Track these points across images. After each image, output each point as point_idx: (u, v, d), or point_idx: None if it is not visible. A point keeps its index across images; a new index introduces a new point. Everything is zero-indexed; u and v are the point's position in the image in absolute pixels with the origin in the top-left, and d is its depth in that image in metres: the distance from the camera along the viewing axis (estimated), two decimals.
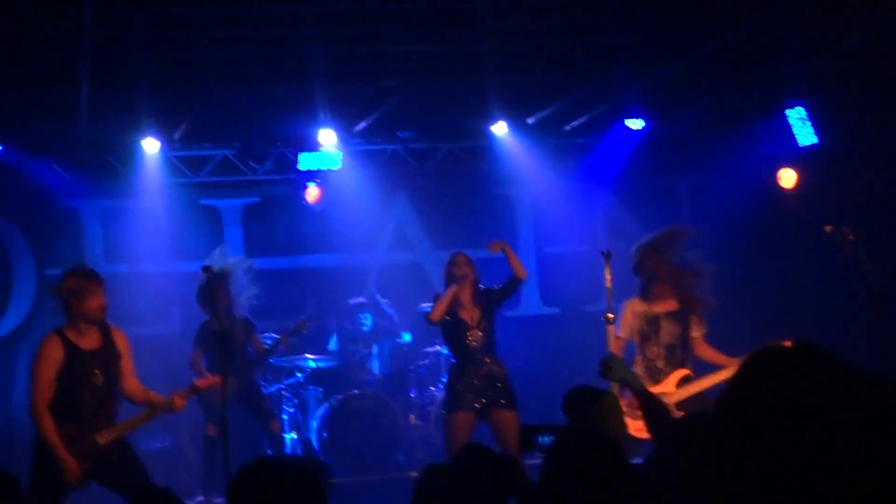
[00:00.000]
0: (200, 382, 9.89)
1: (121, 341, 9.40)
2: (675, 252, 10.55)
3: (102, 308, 9.18)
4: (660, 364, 10.29)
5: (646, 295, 10.45)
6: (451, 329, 10.83)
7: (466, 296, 10.81)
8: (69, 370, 9.02)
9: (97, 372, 9.14)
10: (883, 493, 2.07)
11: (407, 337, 14.11)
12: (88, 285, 9.17)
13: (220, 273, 11.90)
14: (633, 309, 10.44)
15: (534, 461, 5.42)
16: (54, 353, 9.04)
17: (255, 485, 3.89)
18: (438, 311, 10.72)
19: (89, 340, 9.14)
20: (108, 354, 9.22)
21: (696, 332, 10.42)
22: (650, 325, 10.37)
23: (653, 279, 10.43)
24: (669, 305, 10.40)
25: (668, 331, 10.36)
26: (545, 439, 6.30)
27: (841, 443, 2.07)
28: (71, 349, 9.05)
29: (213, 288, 11.23)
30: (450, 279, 10.85)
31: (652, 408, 6.08)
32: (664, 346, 10.33)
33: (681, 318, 10.39)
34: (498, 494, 5.03)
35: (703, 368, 10.32)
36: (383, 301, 14.19)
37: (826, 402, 2.10)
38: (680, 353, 10.36)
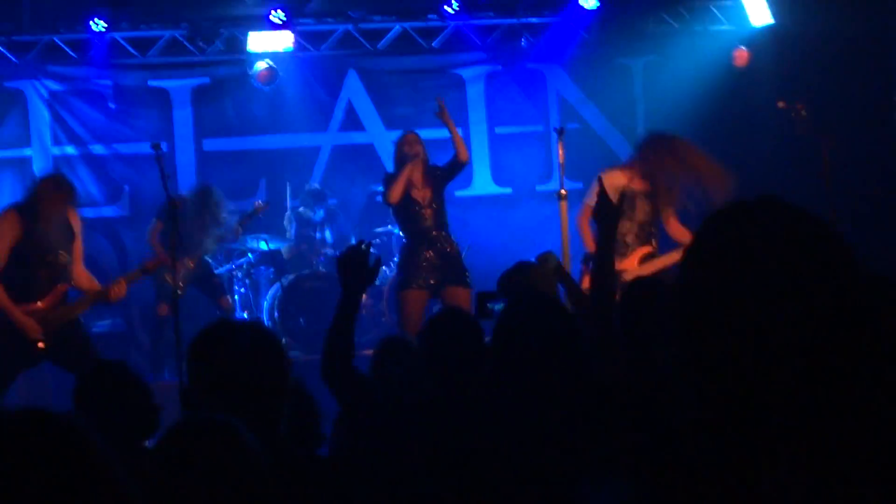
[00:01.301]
0: (149, 264, 9.90)
1: (75, 222, 9.44)
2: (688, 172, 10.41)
3: (61, 212, 9.21)
4: (629, 239, 10.28)
5: (627, 170, 10.35)
6: (404, 209, 10.79)
7: (418, 175, 10.75)
8: (25, 245, 9.01)
9: (53, 250, 9.15)
10: (852, 334, 2.04)
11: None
12: (62, 200, 9.20)
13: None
14: (612, 182, 10.29)
15: None
16: (11, 227, 9.04)
17: (217, 344, 3.86)
18: (396, 192, 10.64)
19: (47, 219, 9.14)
20: (63, 233, 9.23)
21: (669, 211, 10.41)
22: (627, 202, 10.28)
23: (650, 167, 10.30)
24: (645, 186, 10.35)
25: (642, 209, 10.34)
26: (500, 305, 6.33)
27: (812, 290, 2.04)
28: (28, 225, 9.04)
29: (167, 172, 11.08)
30: (401, 158, 10.77)
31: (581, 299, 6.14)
32: (637, 223, 10.31)
33: (653, 199, 10.35)
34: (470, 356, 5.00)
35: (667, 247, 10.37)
36: (332, 200, 14.09)
37: (796, 251, 2.07)
38: (649, 231, 10.37)
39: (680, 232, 10.38)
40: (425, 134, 11.24)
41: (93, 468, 2.27)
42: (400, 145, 10.87)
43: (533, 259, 7.35)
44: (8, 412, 2.32)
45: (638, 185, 10.31)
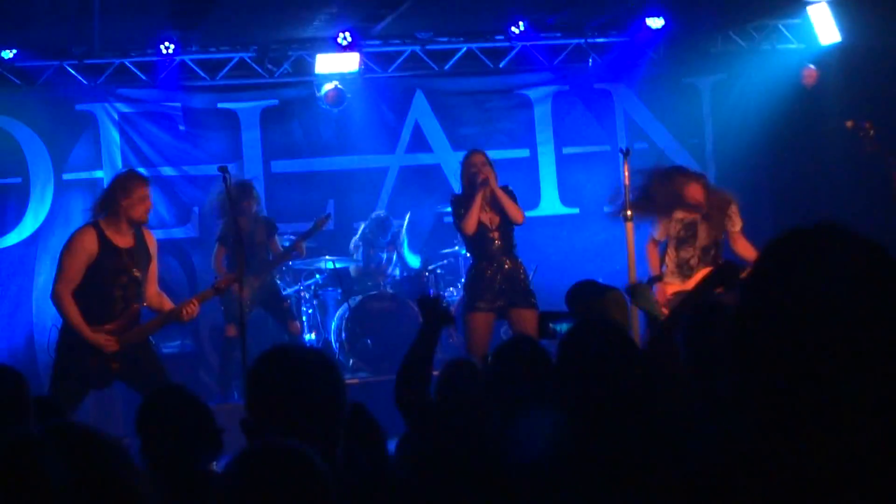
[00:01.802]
0: (221, 283, 9.94)
1: (152, 243, 9.55)
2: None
3: (148, 211, 9.29)
4: (693, 262, 10.36)
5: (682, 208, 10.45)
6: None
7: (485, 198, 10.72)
8: (101, 264, 9.12)
9: (129, 270, 9.23)
10: None
11: (416, 263, 14.06)
12: (141, 186, 9.27)
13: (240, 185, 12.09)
14: (672, 214, 10.44)
15: None
16: (88, 244, 9.14)
17: (274, 369, 3.91)
18: (472, 222, 10.59)
19: (124, 238, 9.24)
20: (140, 254, 9.32)
21: (734, 227, 10.44)
22: (688, 230, 10.41)
23: (677, 197, 10.37)
24: (703, 209, 10.41)
25: (705, 233, 10.39)
26: (563, 326, 6.30)
27: (868, 317, 2.04)
28: (105, 243, 9.15)
29: (232, 191, 11.15)
30: (469, 180, 10.74)
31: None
32: (700, 248, 10.37)
33: (717, 218, 10.36)
34: (536, 383, 5.00)
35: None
36: (396, 223, 14.10)
37: (852, 279, 2.07)
38: (714, 252, 10.39)
39: (747, 250, 10.37)
40: (493, 154, 11.22)
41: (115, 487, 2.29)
42: (467, 166, 10.82)
43: (600, 279, 7.32)
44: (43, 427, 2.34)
45: (697, 213, 10.36)
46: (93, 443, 2.31)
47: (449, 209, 11.15)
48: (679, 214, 10.38)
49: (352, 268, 13.75)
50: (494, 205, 10.68)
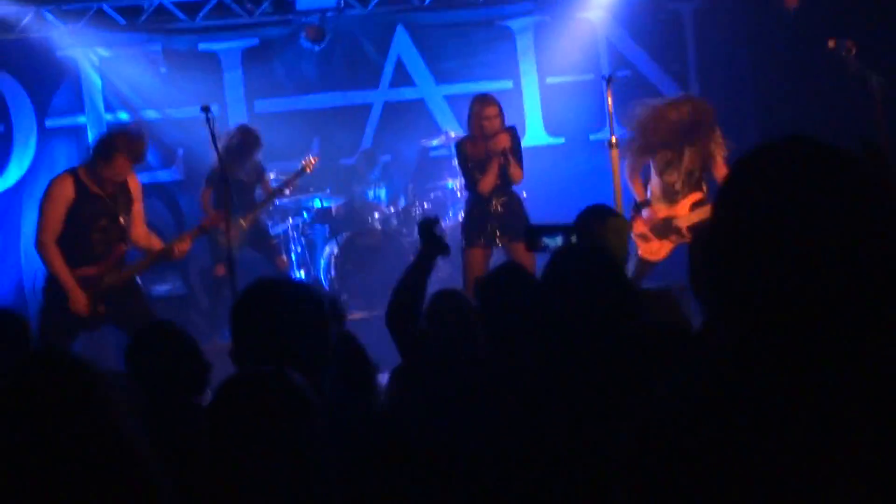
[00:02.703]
0: (206, 221, 10.03)
1: (134, 186, 9.56)
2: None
3: (122, 177, 9.26)
4: (678, 187, 10.29)
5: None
6: (471, 167, 10.67)
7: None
8: (79, 210, 9.17)
9: (108, 214, 9.28)
10: (882, 279, 2.04)
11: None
12: (136, 146, 9.28)
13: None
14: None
15: None
16: (65, 191, 9.20)
17: (259, 300, 3.89)
18: (487, 188, 10.51)
19: (102, 183, 9.26)
20: (121, 197, 9.35)
21: (719, 154, 10.31)
22: (674, 153, 10.28)
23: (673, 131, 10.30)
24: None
25: (690, 158, 10.30)
26: (553, 240, 6.28)
27: (839, 227, 2.04)
28: (82, 190, 9.19)
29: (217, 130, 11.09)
30: (480, 130, 10.49)
31: None
32: (685, 172, 10.30)
33: (703, 142, 10.28)
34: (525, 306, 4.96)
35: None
36: (385, 158, 14.08)
37: (825, 188, 2.07)
38: (698, 176, 10.34)
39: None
40: (476, 87, 11.16)
41: (96, 409, 2.31)
42: (480, 116, 10.50)
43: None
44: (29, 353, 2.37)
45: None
46: (79, 369, 2.33)
47: (435, 143, 11.04)
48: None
49: (339, 204, 13.72)
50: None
